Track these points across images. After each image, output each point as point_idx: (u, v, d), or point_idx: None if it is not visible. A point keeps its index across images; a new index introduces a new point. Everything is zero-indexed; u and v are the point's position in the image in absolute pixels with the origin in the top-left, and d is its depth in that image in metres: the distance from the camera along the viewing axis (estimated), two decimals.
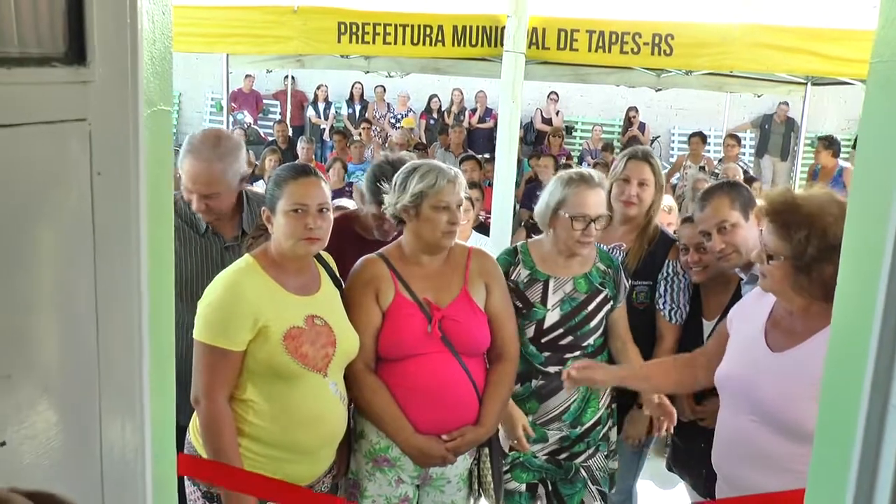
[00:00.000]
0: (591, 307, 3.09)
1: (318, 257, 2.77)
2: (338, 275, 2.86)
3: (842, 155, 10.74)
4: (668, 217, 4.13)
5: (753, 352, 2.49)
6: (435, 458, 2.77)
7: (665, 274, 3.30)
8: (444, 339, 2.78)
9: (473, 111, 14.91)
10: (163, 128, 1.33)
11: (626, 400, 3.27)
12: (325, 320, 2.61)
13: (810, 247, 2.24)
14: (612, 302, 3.12)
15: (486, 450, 2.94)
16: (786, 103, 13.83)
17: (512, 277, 3.14)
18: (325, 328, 2.60)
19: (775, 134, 14.36)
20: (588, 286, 3.09)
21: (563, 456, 3.14)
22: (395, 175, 2.87)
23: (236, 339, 2.46)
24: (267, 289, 2.54)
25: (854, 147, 13.29)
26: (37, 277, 0.99)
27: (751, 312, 2.61)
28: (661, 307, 3.30)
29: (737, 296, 3.21)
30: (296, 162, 2.85)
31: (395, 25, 6.82)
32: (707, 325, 3.29)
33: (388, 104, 15.10)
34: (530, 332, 3.10)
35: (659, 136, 15.41)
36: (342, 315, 2.72)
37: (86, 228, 1.04)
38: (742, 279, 3.18)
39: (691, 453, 3.25)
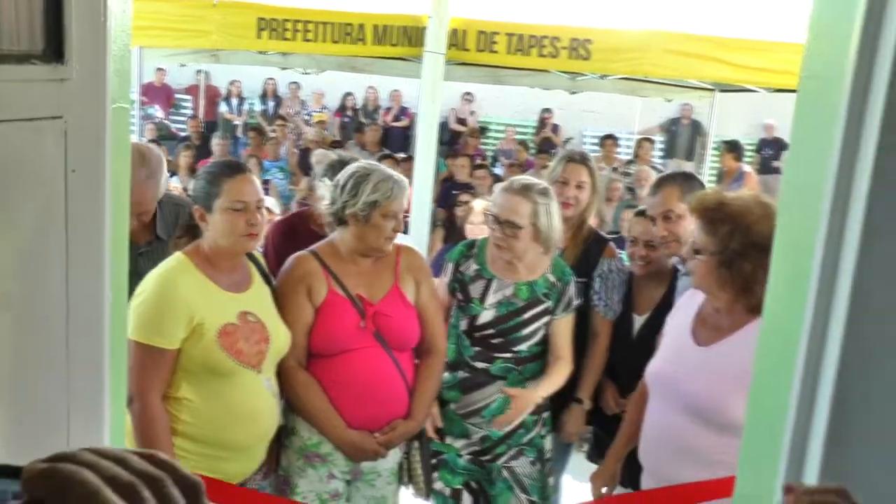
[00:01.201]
0: (527, 315, 3.12)
1: (249, 254, 2.77)
2: (267, 271, 2.86)
3: (745, 159, 11.14)
4: None
5: (680, 347, 2.58)
6: (367, 452, 2.81)
7: (600, 272, 3.38)
8: (376, 334, 2.81)
9: (388, 110, 14.89)
10: (123, 125, 1.33)
11: (560, 398, 3.33)
12: (257, 317, 2.61)
13: (733, 242, 2.36)
14: (551, 314, 3.14)
15: (416, 443, 2.98)
16: (689, 106, 14.25)
17: (461, 269, 3.21)
18: (259, 325, 2.60)
19: (681, 137, 14.79)
20: (529, 294, 3.12)
21: (486, 458, 3.17)
22: (341, 176, 2.86)
23: (171, 337, 2.44)
24: (201, 286, 2.53)
25: (757, 151, 13.82)
26: (9, 275, 0.99)
27: (682, 310, 2.72)
28: (596, 303, 3.37)
29: (670, 292, 3.33)
30: (227, 159, 2.84)
31: (316, 23, 6.80)
32: (637, 320, 3.38)
33: (302, 101, 14.97)
34: (464, 325, 3.16)
35: (572, 138, 15.64)
36: (274, 312, 2.73)
37: (59, 226, 1.04)
38: (679, 270, 3.28)
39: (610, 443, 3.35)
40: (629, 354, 3.36)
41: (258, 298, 2.71)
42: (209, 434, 2.53)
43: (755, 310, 2.33)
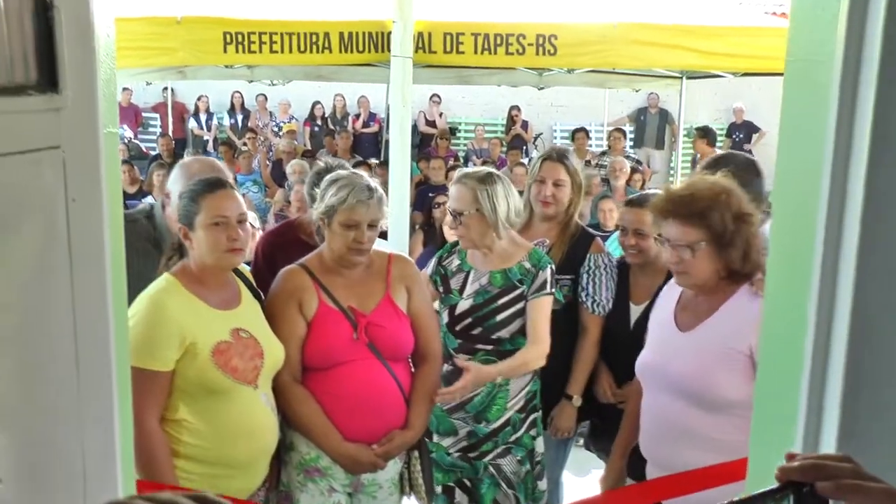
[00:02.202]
0: (501, 301, 3.16)
1: (235, 270, 2.75)
2: (255, 286, 2.85)
3: (717, 144, 11.26)
4: None
5: (665, 335, 2.66)
6: (365, 464, 2.79)
7: (587, 267, 3.40)
8: (370, 345, 2.79)
9: (357, 116, 14.88)
10: (114, 150, 1.32)
11: (552, 395, 3.35)
12: (250, 332, 2.60)
13: (726, 221, 2.43)
14: (524, 299, 3.17)
15: (416, 452, 2.97)
16: (655, 95, 14.37)
17: (444, 262, 3.33)
18: (252, 340, 2.59)
19: (650, 125, 14.91)
20: (504, 281, 3.17)
21: (473, 454, 3.20)
22: (320, 185, 2.89)
23: (164, 359, 2.42)
24: (190, 306, 2.52)
25: (728, 136, 13.95)
26: (16, 309, 0.98)
27: (662, 302, 2.79)
28: (584, 299, 3.39)
29: (667, 280, 3.35)
30: (207, 176, 2.81)
31: (281, 34, 6.75)
32: (634, 309, 3.40)
33: (270, 112, 14.92)
34: (445, 317, 3.23)
35: (542, 134, 15.69)
36: (265, 326, 2.71)
37: (63, 257, 1.03)
38: None
39: (611, 433, 3.37)
40: (627, 344, 3.38)
41: (249, 314, 2.69)
42: (211, 453, 2.51)
43: (751, 273, 2.47)
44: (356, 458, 2.76)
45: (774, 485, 0.95)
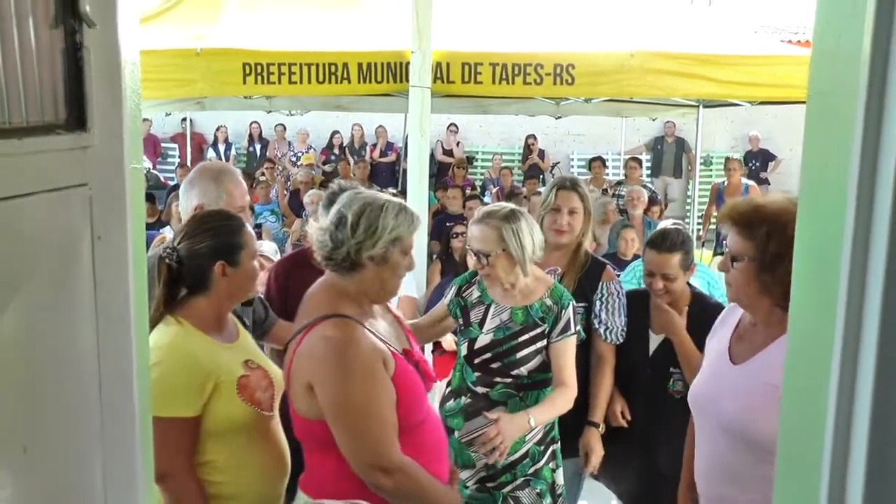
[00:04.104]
0: (522, 338, 3.12)
1: None
2: (240, 314, 2.87)
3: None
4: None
5: (718, 367, 2.53)
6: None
7: (600, 295, 3.40)
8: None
9: (374, 146, 14.97)
10: (139, 186, 1.32)
11: (569, 424, 3.31)
12: (256, 362, 2.61)
13: (771, 243, 2.29)
14: (547, 338, 3.12)
15: None
16: (672, 123, 14.38)
17: (464, 293, 3.28)
18: (261, 370, 2.60)
19: (667, 154, 14.93)
20: (525, 318, 3.13)
21: (491, 484, 3.17)
22: (345, 214, 2.41)
23: (194, 404, 2.40)
24: (207, 346, 2.50)
25: (745, 164, 13.94)
26: (43, 349, 0.98)
27: (719, 329, 2.66)
28: (598, 326, 3.38)
29: (690, 312, 3.35)
30: (221, 210, 2.82)
31: (301, 64, 6.80)
32: (654, 339, 3.39)
33: (288, 142, 15.03)
34: (464, 349, 3.21)
35: (559, 163, 15.75)
36: (261, 353, 2.75)
37: (89, 296, 1.03)
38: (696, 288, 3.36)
39: (621, 461, 3.34)
40: (645, 373, 3.37)
41: (248, 343, 2.72)
42: (241, 488, 2.50)
43: None
44: (457, 500, 2.55)
45: None
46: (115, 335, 1.10)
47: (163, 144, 15.65)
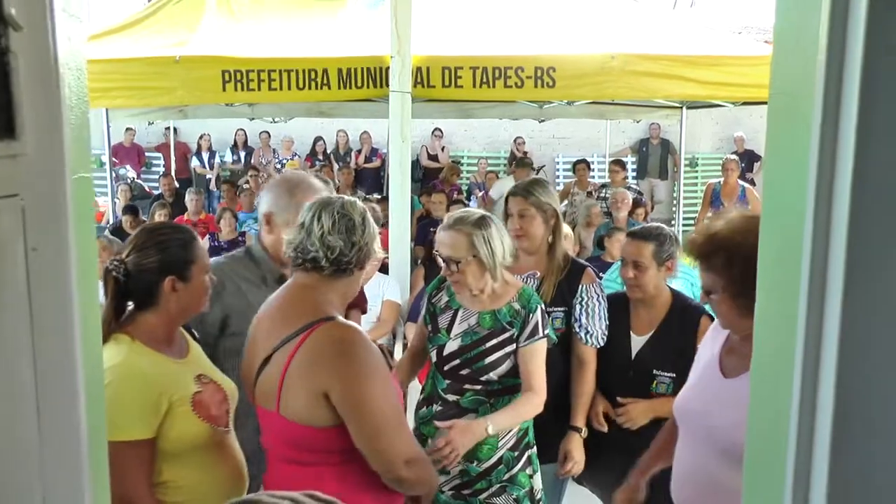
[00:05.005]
0: (489, 343, 3.07)
1: None
2: (190, 326, 2.74)
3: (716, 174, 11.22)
4: (566, 243, 4.20)
5: (708, 379, 2.47)
6: None
7: (580, 298, 3.36)
8: None
9: (359, 152, 14.94)
10: (86, 196, 1.29)
11: (548, 429, 3.28)
12: (209, 376, 2.51)
13: (734, 269, 2.22)
14: (515, 342, 3.08)
15: None
16: (657, 125, 14.41)
17: (433, 300, 3.25)
18: (213, 384, 2.50)
19: (653, 156, 14.96)
20: (492, 323, 3.09)
21: (467, 492, 3.13)
22: (334, 219, 2.33)
23: (151, 424, 2.29)
24: (159, 364, 2.39)
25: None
26: None
27: (710, 340, 2.59)
28: (578, 330, 3.35)
29: (671, 313, 3.33)
30: (170, 223, 2.76)
31: (280, 71, 6.79)
32: (637, 340, 3.36)
33: (273, 150, 14.98)
34: (434, 356, 3.17)
35: (544, 166, 15.73)
36: (212, 366, 2.62)
37: (23, 309, 1.00)
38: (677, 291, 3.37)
39: (606, 466, 3.31)
40: (627, 375, 3.34)
41: (199, 357, 2.61)
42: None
43: None
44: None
45: None
46: (55, 353, 1.06)
47: (147, 154, 15.56)
